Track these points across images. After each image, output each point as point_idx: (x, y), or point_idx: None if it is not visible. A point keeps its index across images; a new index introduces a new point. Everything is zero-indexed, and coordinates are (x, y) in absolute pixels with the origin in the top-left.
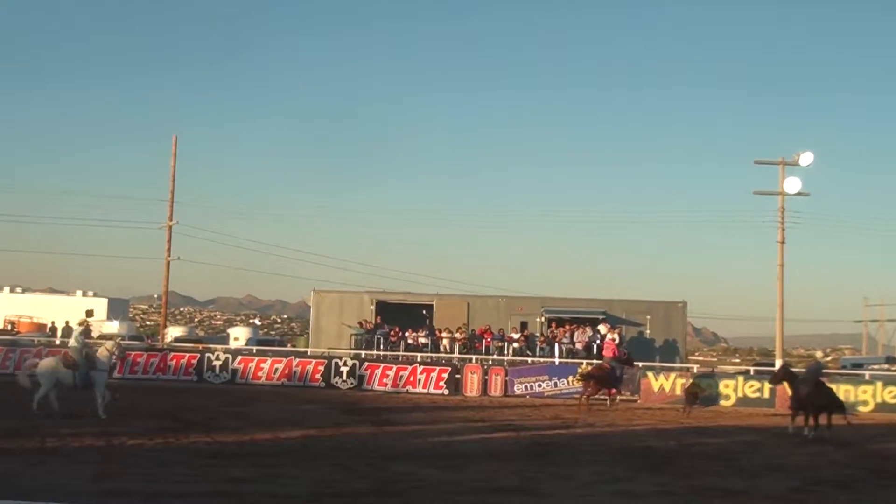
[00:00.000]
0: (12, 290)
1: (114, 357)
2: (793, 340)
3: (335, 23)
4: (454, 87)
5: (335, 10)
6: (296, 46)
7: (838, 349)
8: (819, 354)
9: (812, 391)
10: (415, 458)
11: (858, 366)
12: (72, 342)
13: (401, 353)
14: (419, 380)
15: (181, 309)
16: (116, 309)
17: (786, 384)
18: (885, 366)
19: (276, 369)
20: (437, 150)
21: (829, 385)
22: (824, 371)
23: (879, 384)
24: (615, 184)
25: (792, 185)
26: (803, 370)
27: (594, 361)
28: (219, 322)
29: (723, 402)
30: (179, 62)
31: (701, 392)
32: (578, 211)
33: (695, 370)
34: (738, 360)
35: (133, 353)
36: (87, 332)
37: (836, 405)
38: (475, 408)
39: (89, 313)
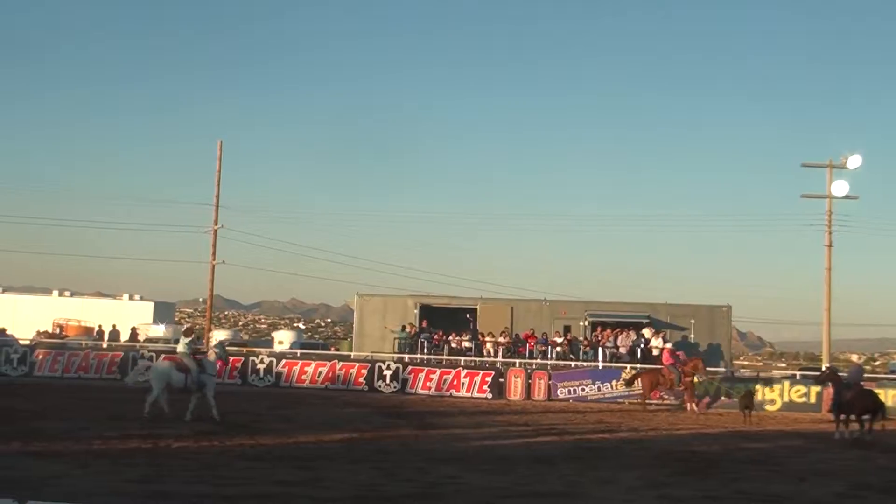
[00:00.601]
0: (61, 294)
1: (217, 362)
2: (840, 345)
3: (361, 29)
4: (487, 90)
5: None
6: (326, 52)
7: (887, 353)
8: (855, 357)
9: (855, 395)
10: (458, 461)
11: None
12: (181, 348)
13: (444, 356)
14: (462, 384)
15: (226, 312)
16: (162, 312)
17: (831, 386)
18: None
19: (320, 373)
20: (479, 152)
21: (873, 390)
22: (865, 375)
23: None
24: (661, 187)
25: (839, 188)
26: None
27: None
28: (263, 326)
29: (769, 407)
30: (218, 65)
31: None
32: (623, 214)
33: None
34: (783, 365)
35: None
36: (197, 339)
37: (880, 409)
38: (518, 412)
39: (190, 328)
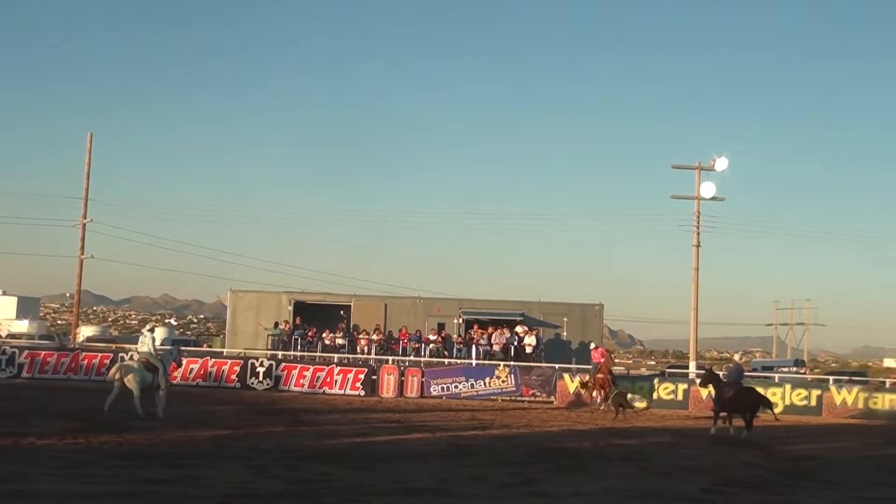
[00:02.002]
0: None
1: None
2: (706, 343)
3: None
4: (367, 87)
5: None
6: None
7: (749, 352)
8: (737, 357)
9: (736, 393)
10: (330, 458)
11: (769, 368)
12: (145, 347)
13: (318, 353)
14: (336, 381)
15: (94, 308)
16: (26, 307)
17: (711, 387)
18: (794, 368)
19: (192, 369)
20: (354, 149)
21: (753, 386)
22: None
23: (788, 387)
24: (533, 186)
25: (707, 189)
26: (726, 373)
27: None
28: (133, 322)
29: (637, 404)
30: (94, 57)
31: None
32: (496, 213)
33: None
34: (653, 363)
35: (43, 352)
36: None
37: (765, 404)
38: (391, 409)
39: (153, 326)
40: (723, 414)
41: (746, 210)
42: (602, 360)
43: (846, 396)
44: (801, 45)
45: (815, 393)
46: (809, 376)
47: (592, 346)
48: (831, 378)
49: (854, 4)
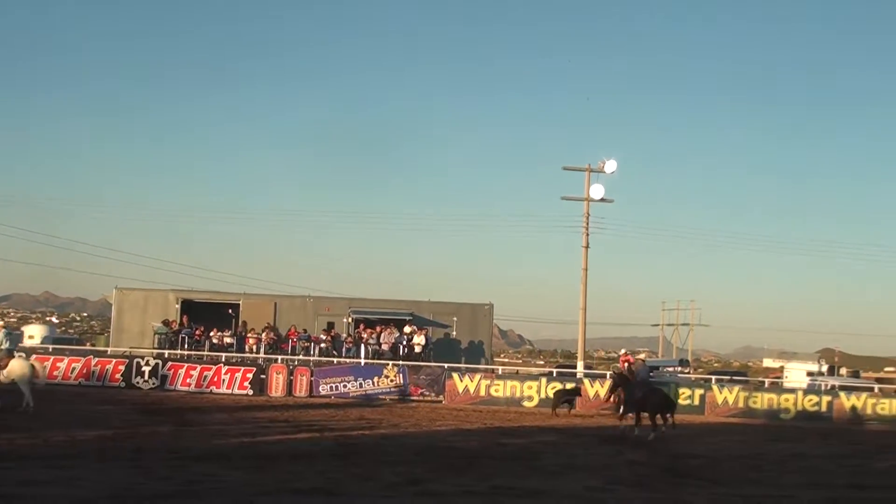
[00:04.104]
0: None
1: None
2: (594, 343)
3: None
4: (227, 86)
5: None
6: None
7: (636, 352)
8: (643, 356)
9: (646, 394)
10: (217, 458)
11: (654, 368)
12: (8, 345)
13: (205, 352)
14: (223, 380)
15: None
16: None
17: (620, 389)
18: (679, 368)
19: (74, 368)
20: (244, 148)
21: (660, 387)
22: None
23: (673, 386)
24: (425, 186)
25: (597, 191)
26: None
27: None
28: (13, 319)
29: (526, 404)
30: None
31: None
32: (388, 213)
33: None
34: (542, 362)
35: None
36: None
37: (670, 405)
38: (279, 408)
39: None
40: (644, 414)
41: (635, 212)
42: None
43: (727, 396)
44: (688, 48)
45: (699, 392)
46: (693, 376)
47: (623, 351)
48: (713, 378)
49: (737, 7)
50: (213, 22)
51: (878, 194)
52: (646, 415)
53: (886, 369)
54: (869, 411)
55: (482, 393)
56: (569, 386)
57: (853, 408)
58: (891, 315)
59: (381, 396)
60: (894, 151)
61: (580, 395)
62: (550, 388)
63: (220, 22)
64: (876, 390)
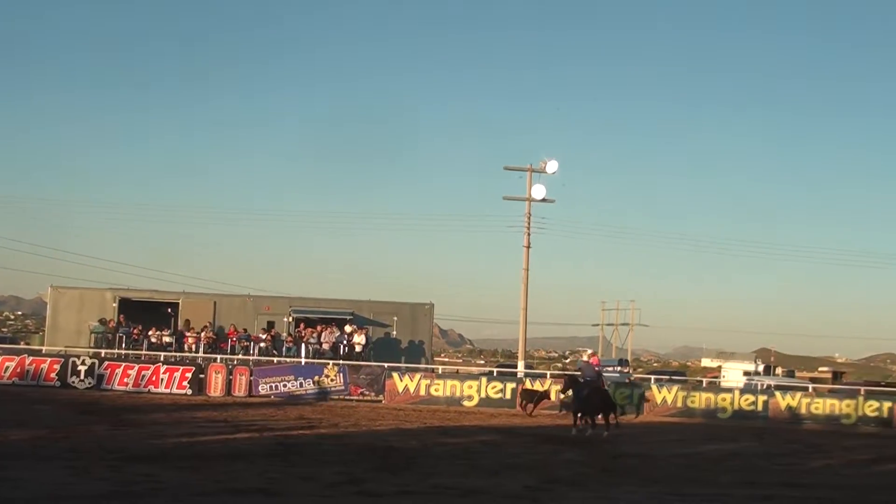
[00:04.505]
0: None
1: None
2: (535, 343)
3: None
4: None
5: None
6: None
7: (576, 351)
8: (585, 357)
9: (590, 394)
10: (154, 459)
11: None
12: None
13: (143, 352)
14: (162, 379)
15: None
16: None
17: (570, 391)
18: (619, 368)
19: (7, 367)
20: (179, 146)
21: (606, 389)
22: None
23: (612, 386)
24: (366, 185)
25: (538, 191)
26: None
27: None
28: None
29: (466, 403)
30: None
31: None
32: (328, 212)
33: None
34: (482, 362)
35: None
36: None
37: (611, 406)
38: (218, 408)
39: None
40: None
41: (576, 212)
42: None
43: (666, 395)
44: (627, 50)
45: (638, 392)
46: (633, 375)
47: (590, 352)
48: (653, 377)
49: (674, 9)
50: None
51: (812, 197)
52: (609, 413)
53: (820, 369)
54: (803, 410)
55: (422, 392)
56: (537, 387)
57: (788, 407)
58: (824, 316)
59: (321, 396)
60: (829, 154)
61: (548, 398)
62: (491, 388)
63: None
64: (810, 390)
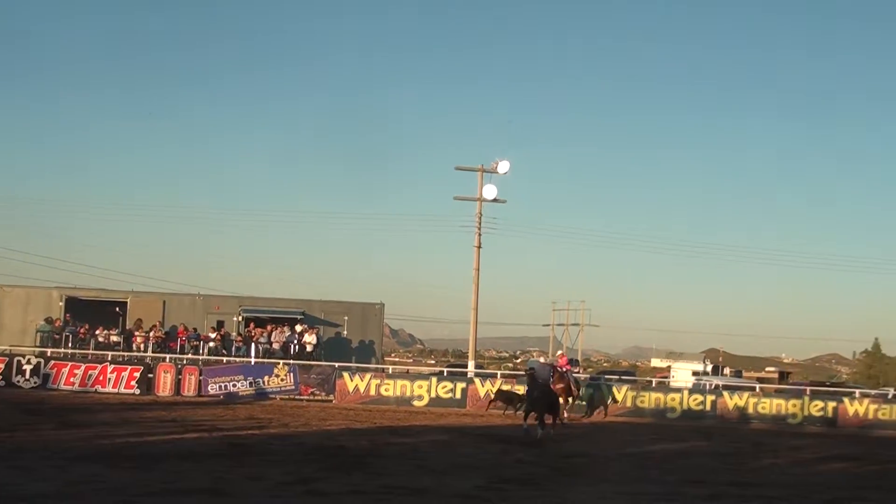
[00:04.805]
0: None
1: None
2: (486, 343)
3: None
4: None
5: None
6: None
7: (527, 351)
8: (537, 356)
9: (540, 394)
10: (101, 459)
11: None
12: None
13: (91, 351)
14: (109, 379)
15: None
16: None
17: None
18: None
19: None
20: (128, 142)
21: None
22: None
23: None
24: (319, 184)
25: (489, 191)
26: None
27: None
28: None
29: (416, 403)
30: None
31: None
32: (280, 211)
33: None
34: (432, 362)
35: None
36: None
37: (555, 407)
38: (167, 407)
39: None
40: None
41: (528, 213)
42: (568, 367)
43: (616, 395)
44: (578, 48)
45: (588, 392)
46: (582, 376)
47: (559, 352)
48: (603, 377)
49: (629, 13)
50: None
51: (759, 198)
52: (555, 414)
53: (767, 369)
54: (751, 410)
55: (372, 392)
56: (507, 387)
57: (736, 407)
58: (772, 317)
59: (271, 396)
60: (772, 156)
61: (519, 401)
62: (441, 388)
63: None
64: (757, 390)
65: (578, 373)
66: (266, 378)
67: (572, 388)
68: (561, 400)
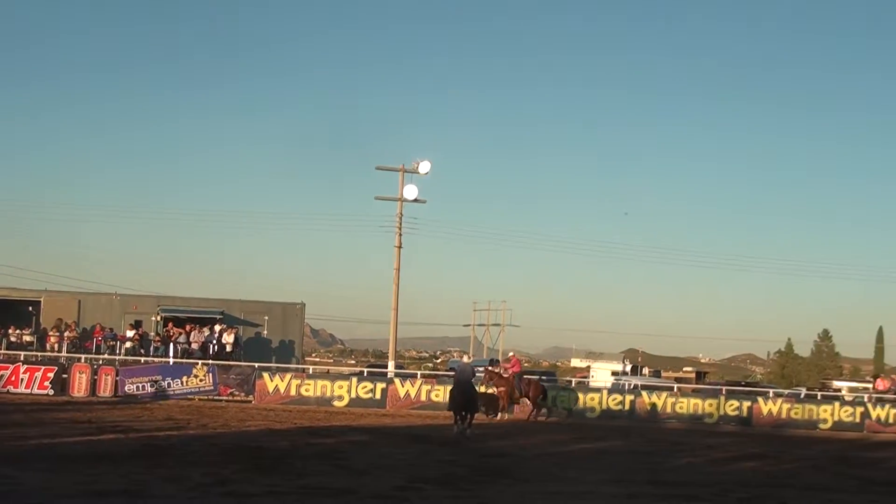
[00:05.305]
0: None
1: None
2: (406, 343)
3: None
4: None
5: None
6: None
7: (447, 352)
8: (460, 356)
9: (461, 393)
10: (13, 460)
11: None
12: None
13: (2, 351)
14: (21, 379)
15: None
16: None
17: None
18: (489, 368)
19: None
20: (38, 139)
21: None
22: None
23: (482, 387)
24: (237, 184)
25: (410, 191)
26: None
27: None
28: None
29: (336, 403)
30: None
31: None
32: (200, 210)
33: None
34: (353, 362)
35: None
36: None
37: (474, 407)
38: (82, 408)
39: None
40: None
41: (448, 213)
42: (517, 368)
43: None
44: (500, 48)
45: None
46: (505, 375)
47: (511, 354)
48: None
49: (543, 11)
50: None
51: (676, 199)
52: (471, 412)
53: (685, 369)
54: (668, 410)
55: (292, 392)
56: (491, 390)
57: (654, 406)
58: (689, 317)
59: (189, 396)
60: (694, 156)
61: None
62: (361, 388)
63: None
64: (675, 389)
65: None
66: (185, 378)
67: (515, 391)
68: (502, 402)
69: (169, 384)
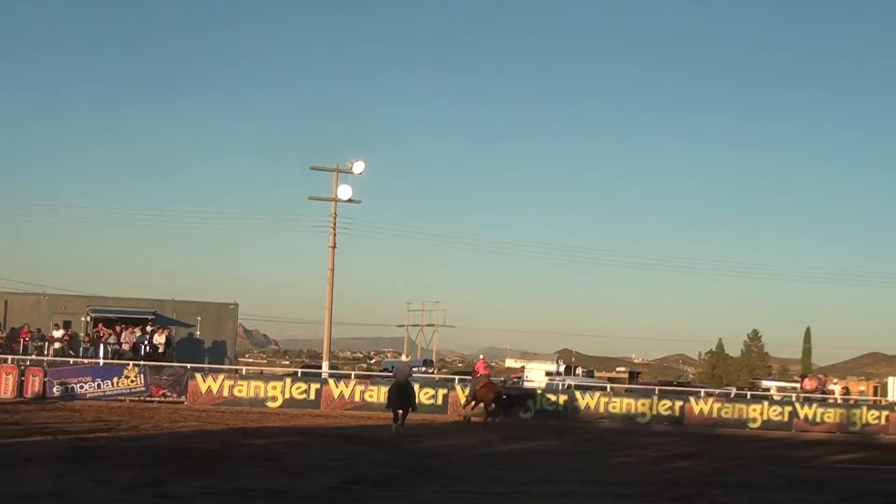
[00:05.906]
0: None
1: None
2: (340, 343)
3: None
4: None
5: None
6: None
7: (381, 352)
8: (391, 356)
9: (397, 391)
10: None
11: None
12: None
13: None
14: None
15: None
16: None
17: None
18: (423, 368)
19: None
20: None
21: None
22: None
23: (416, 386)
24: (169, 183)
25: (344, 191)
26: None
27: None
28: None
29: (270, 404)
30: None
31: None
32: (133, 209)
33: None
34: (287, 363)
35: None
36: None
37: (410, 406)
38: (9, 410)
39: None
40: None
41: (383, 213)
42: (487, 371)
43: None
44: (437, 50)
45: (442, 392)
46: (437, 376)
47: (481, 357)
48: (457, 378)
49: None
50: None
51: (610, 200)
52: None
53: (618, 369)
54: (602, 409)
55: (225, 393)
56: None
57: (588, 406)
58: (622, 317)
59: (120, 397)
60: (631, 157)
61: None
62: (296, 389)
63: None
64: (608, 389)
65: (433, 373)
66: (115, 379)
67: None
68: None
69: (99, 385)
